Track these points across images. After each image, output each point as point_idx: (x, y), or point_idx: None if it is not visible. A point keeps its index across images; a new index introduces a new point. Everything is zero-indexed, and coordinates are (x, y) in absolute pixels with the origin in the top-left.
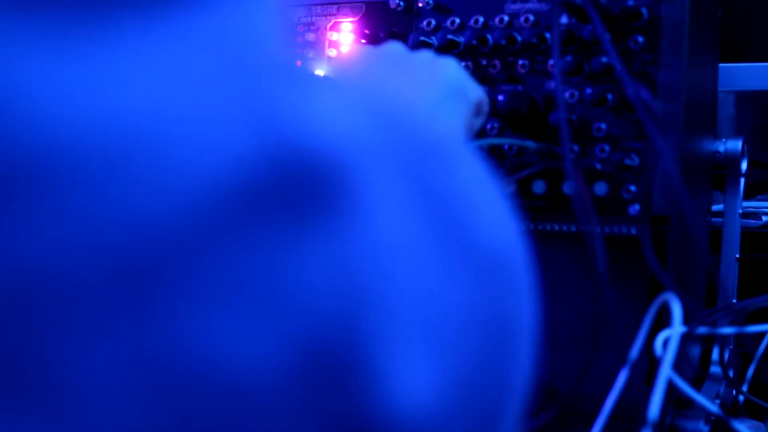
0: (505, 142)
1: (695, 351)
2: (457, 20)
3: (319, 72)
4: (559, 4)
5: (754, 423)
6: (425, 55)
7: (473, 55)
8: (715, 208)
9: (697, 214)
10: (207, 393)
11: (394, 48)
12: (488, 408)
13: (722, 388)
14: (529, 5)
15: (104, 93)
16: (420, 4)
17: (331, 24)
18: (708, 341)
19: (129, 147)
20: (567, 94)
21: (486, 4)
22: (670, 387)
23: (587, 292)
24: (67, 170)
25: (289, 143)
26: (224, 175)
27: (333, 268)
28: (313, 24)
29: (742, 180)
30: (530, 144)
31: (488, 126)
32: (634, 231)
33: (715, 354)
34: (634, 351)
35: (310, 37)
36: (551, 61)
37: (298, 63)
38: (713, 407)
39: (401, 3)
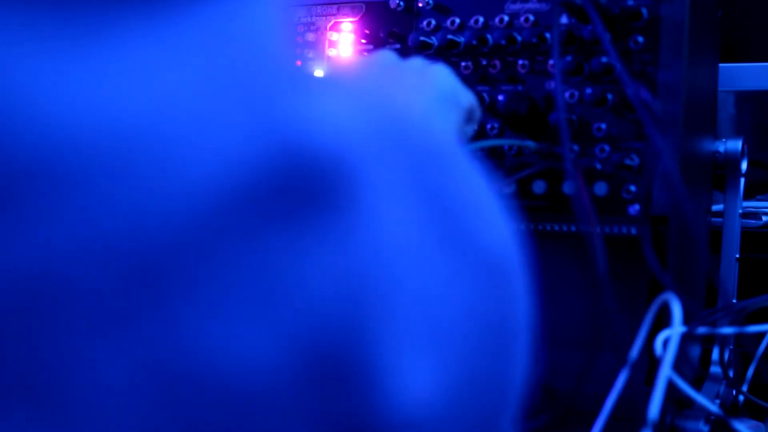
0: (505, 142)
1: (695, 351)
2: (457, 20)
3: (318, 73)
4: (559, 4)
5: (754, 423)
6: (416, 62)
7: (473, 55)
8: (715, 208)
9: (697, 214)
10: (211, 394)
11: (386, 56)
12: (487, 407)
13: (722, 388)
14: (529, 5)
15: (107, 94)
16: (420, 4)
17: (331, 24)
18: (708, 341)
19: (132, 149)
20: (567, 94)
21: (486, 4)
22: (670, 387)
23: (587, 292)
24: (70, 172)
25: (292, 145)
26: (227, 178)
27: (335, 269)
28: (313, 24)
29: (742, 180)
30: (530, 144)
31: (488, 126)
32: (634, 231)
33: (715, 354)
34: (634, 351)
35: (310, 37)
36: (551, 61)
37: (299, 63)
38: (713, 407)
39: (401, 3)
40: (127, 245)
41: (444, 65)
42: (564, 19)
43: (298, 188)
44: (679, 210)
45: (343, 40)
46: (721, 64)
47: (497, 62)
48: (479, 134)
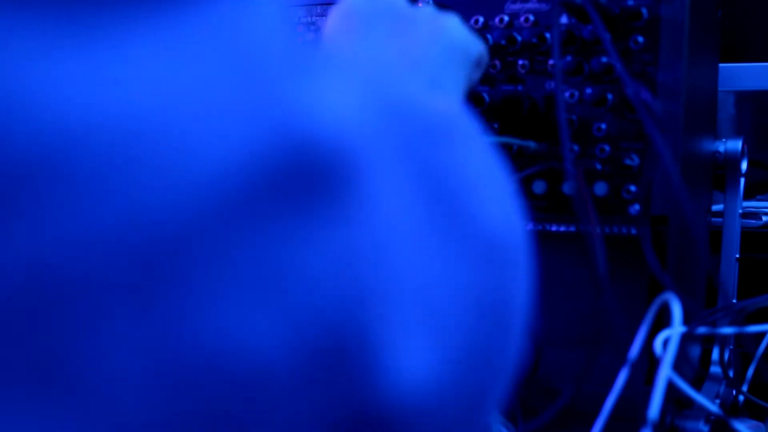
0: (505, 142)
1: (695, 351)
2: None
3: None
4: (559, 4)
5: (754, 423)
6: (427, 12)
7: None
8: (715, 208)
9: (697, 214)
10: (219, 380)
11: (395, 1)
12: (482, 386)
13: (722, 388)
14: (529, 5)
15: (114, 89)
16: (420, 5)
17: None
18: (708, 341)
19: (139, 143)
20: (567, 94)
21: (486, 4)
22: (670, 387)
23: (587, 292)
24: (79, 165)
25: (296, 134)
26: (233, 168)
27: (336, 256)
28: (313, 24)
29: (742, 180)
30: (530, 144)
31: (488, 126)
32: (634, 231)
33: (715, 354)
34: (634, 351)
35: (310, 37)
36: (551, 61)
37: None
38: (713, 407)
39: None
40: (137, 236)
41: (454, 15)
42: (564, 19)
43: (302, 177)
44: (679, 210)
45: None
46: (721, 64)
47: (497, 62)
48: None
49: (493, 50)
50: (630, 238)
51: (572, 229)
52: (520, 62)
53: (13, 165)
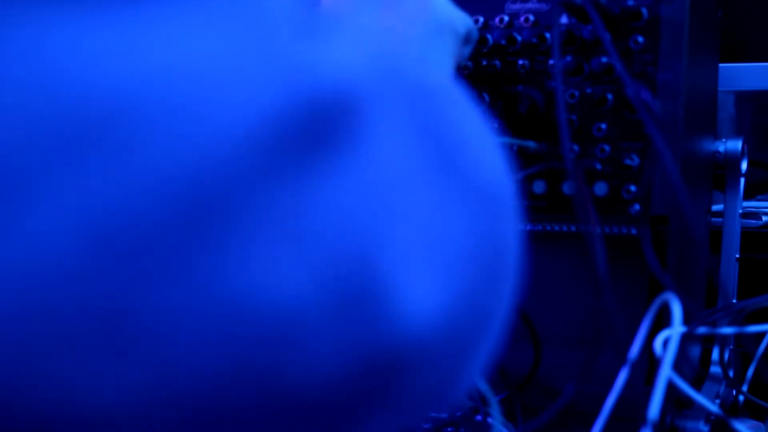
0: (505, 142)
1: (695, 351)
2: None
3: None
4: (559, 4)
5: (754, 423)
6: None
7: (473, 55)
8: (715, 208)
9: (697, 214)
10: (255, 327)
11: None
12: (480, 323)
13: (722, 388)
14: (529, 5)
15: (138, 58)
16: None
17: None
18: (708, 341)
19: (168, 105)
20: (567, 94)
21: (486, 4)
22: (670, 387)
23: (587, 292)
24: (137, 121)
25: (307, 91)
26: (253, 126)
27: (347, 202)
28: None
29: (742, 180)
30: (530, 144)
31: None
32: (634, 231)
33: (715, 354)
34: (634, 351)
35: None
36: (551, 61)
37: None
38: (713, 407)
39: None
40: (186, 186)
41: None
42: (564, 19)
43: (315, 130)
44: (679, 210)
45: None
46: (721, 64)
47: (497, 62)
48: None
49: (493, 50)
50: (630, 238)
51: (572, 229)
52: (520, 62)
53: (80, 120)
